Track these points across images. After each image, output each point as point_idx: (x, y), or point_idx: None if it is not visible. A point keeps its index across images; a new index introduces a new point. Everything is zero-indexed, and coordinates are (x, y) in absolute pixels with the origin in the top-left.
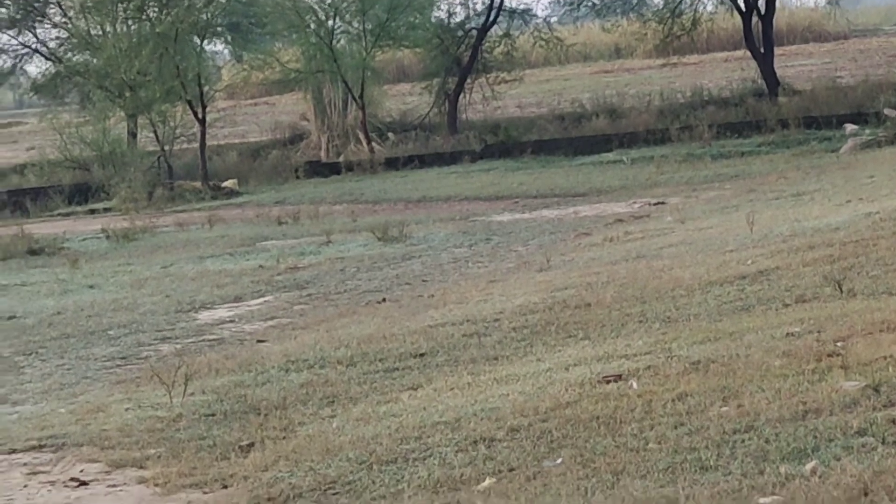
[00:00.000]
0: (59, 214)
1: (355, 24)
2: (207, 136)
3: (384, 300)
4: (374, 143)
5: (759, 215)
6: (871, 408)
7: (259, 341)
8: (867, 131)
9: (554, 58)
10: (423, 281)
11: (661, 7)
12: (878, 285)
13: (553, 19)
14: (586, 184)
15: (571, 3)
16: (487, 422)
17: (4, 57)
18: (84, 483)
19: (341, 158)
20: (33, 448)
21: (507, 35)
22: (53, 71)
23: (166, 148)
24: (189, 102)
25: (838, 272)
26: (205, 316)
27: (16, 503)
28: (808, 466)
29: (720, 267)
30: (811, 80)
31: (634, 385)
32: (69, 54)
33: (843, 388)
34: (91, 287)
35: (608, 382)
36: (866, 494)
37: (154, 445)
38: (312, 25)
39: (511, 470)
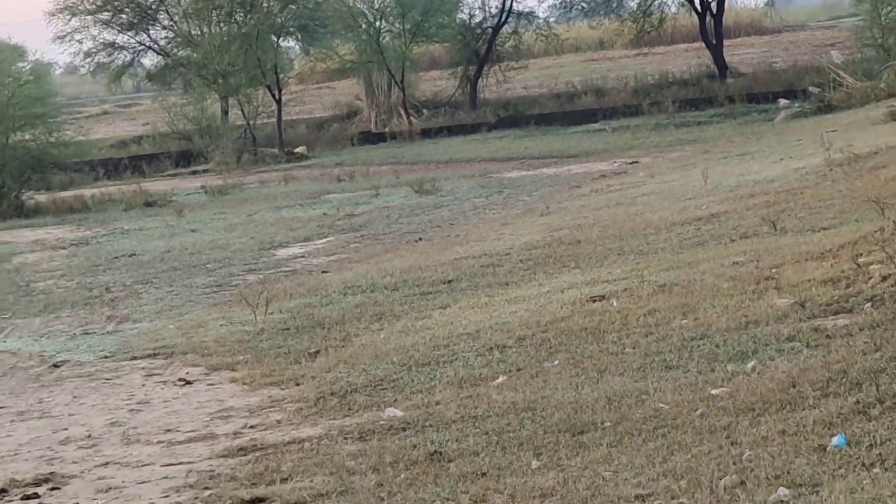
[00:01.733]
0: (168, 175)
1: (397, 25)
2: (283, 112)
3: (420, 239)
4: (412, 117)
5: (712, 171)
6: (798, 319)
7: (323, 272)
8: (796, 105)
9: (552, 49)
10: (451, 224)
11: (634, 9)
12: (804, 224)
13: (551, 19)
14: (577, 147)
15: (565, 7)
16: (500, 333)
17: (125, 52)
18: (189, 382)
19: (386, 129)
20: (149, 356)
21: (515, 32)
22: (163, 63)
23: (251, 122)
24: (268, 87)
25: (773, 214)
26: (281, 252)
27: (136, 398)
28: (749, 365)
29: (681, 211)
30: (752, 65)
31: (614, 303)
32: (175, 50)
33: (777, 304)
34: (193, 231)
35: (594, 301)
36: (794, 386)
37: (242, 353)
38: (363, 26)
39: (519, 370)
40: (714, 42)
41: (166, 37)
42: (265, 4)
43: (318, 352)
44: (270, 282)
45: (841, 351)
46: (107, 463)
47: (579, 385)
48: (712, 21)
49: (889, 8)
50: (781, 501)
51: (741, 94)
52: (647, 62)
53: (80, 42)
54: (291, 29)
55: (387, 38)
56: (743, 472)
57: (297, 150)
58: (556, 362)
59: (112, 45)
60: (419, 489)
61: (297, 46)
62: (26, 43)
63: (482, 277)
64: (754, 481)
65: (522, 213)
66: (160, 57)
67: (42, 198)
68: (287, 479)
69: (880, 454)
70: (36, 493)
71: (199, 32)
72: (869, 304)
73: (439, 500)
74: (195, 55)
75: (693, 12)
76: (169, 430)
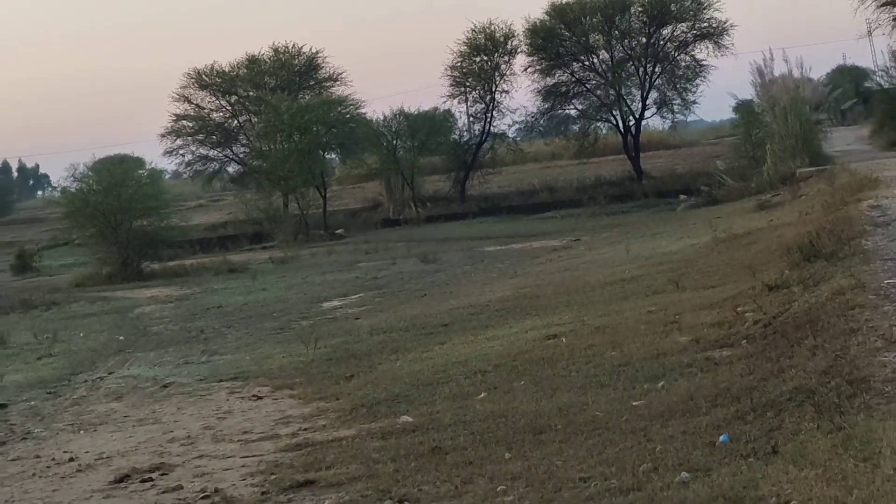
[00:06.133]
0: (245, 249)
1: (408, 142)
2: (327, 204)
3: (425, 295)
4: (419, 208)
5: (632, 246)
6: (695, 352)
7: (356, 318)
8: (692, 199)
9: (518, 159)
10: (446, 284)
11: (577, 131)
12: (698, 284)
13: (518, 138)
14: (536, 230)
15: (528, 130)
16: (482, 361)
17: (215, 163)
18: (260, 398)
19: (401, 217)
20: (231, 378)
21: (492, 147)
22: (242, 170)
23: (304, 212)
24: (317, 187)
25: (676, 277)
26: (326, 305)
27: (222, 409)
28: (660, 384)
29: (610, 274)
30: (661, 170)
31: (564, 340)
32: (250, 161)
33: (679, 341)
34: (263, 290)
35: (549, 339)
36: (692, 399)
37: (298, 376)
38: (384, 143)
39: (495, 388)
40: (633, 154)
41: (244, 151)
42: (315, 129)
43: (352, 376)
44: (318, 326)
45: (725, 374)
46: (201, 456)
47: (539, 399)
48: (632, 139)
49: (757, 130)
50: (683, 482)
51: (653, 191)
52: (585, 168)
53: (182, 155)
54: (333, 146)
55: (401, 152)
56: (656, 460)
57: (337, 231)
58: (522, 382)
59: (205, 157)
60: (425, 473)
61: (337, 158)
62: (145, 156)
63: (469, 322)
64: (664, 467)
65: (497, 276)
66: (240, 166)
67: (155, 266)
68: (330, 467)
69: (753, 448)
70: (150, 477)
71: (267, 148)
72: (745, 341)
73: (439, 482)
74: (265, 164)
75: (618, 133)
76: (245, 432)
